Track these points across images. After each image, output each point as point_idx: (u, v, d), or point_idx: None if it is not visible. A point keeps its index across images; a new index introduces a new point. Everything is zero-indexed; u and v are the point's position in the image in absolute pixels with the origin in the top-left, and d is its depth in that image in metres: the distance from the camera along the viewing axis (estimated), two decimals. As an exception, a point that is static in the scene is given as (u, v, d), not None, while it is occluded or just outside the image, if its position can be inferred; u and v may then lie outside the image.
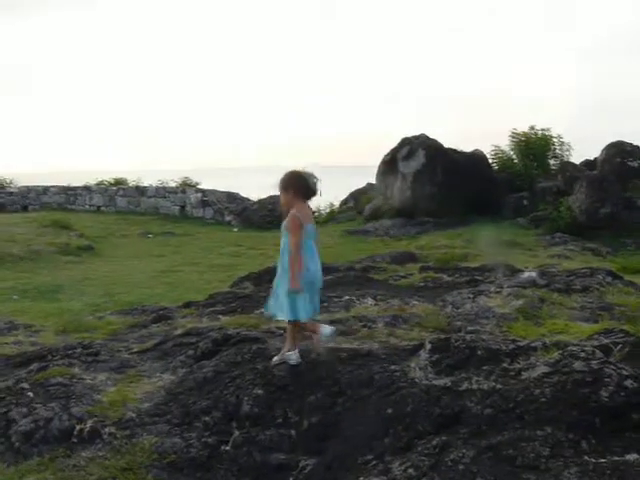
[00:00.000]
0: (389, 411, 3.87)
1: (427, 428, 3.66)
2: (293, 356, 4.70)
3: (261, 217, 26.90)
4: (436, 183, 21.90)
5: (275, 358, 4.77)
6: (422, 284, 8.57)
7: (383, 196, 23.39)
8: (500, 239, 15.81)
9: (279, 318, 4.98)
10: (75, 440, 4.33)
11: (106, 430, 4.38)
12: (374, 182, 25.21)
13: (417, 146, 22.52)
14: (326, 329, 4.80)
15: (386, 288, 8.00)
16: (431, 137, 23.17)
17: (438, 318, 6.14)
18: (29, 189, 35.59)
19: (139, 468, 3.97)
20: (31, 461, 4.14)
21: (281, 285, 4.78)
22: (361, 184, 27.83)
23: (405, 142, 22.99)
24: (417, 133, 23.27)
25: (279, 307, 4.79)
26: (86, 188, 34.52)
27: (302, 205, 4.84)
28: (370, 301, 6.79)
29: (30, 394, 4.83)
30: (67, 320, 8.57)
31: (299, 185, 4.82)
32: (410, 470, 3.33)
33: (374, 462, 3.53)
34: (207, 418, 4.32)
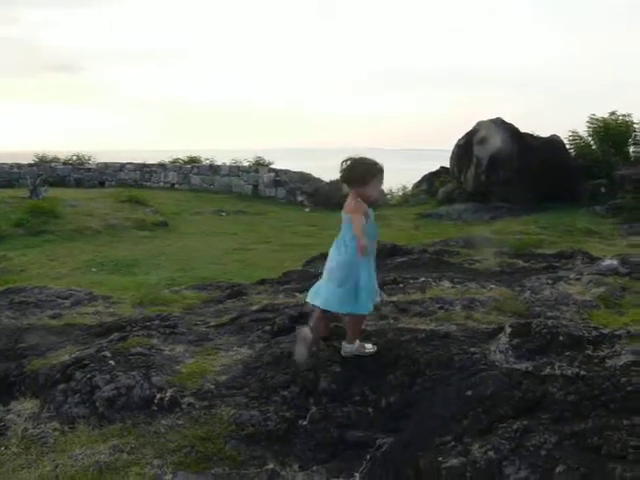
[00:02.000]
0: (469, 393, 3.83)
1: (508, 412, 3.61)
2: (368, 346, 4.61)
3: (334, 198, 26.96)
4: (511, 168, 21.55)
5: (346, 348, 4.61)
6: (498, 269, 8.44)
7: (457, 180, 23.16)
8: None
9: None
10: (155, 408, 4.42)
11: (185, 400, 4.46)
12: (448, 166, 24.97)
13: (493, 130, 22.18)
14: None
15: (462, 271, 7.91)
16: (507, 121, 22.80)
17: (516, 303, 6.05)
18: (106, 166, 36.50)
19: (217, 438, 4.03)
20: (114, 426, 4.26)
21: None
22: (435, 167, 27.62)
23: (481, 126, 22.67)
24: (493, 117, 22.95)
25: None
26: (161, 165, 35.18)
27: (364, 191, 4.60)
28: (447, 283, 6.71)
29: (112, 362, 4.95)
30: (144, 293, 8.76)
31: (379, 170, 4.61)
32: (490, 453, 3.30)
33: (453, 443, 3.50)
34: (285, 392, 4.35)
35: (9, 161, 36.33)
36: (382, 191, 4.36)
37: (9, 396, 4.93)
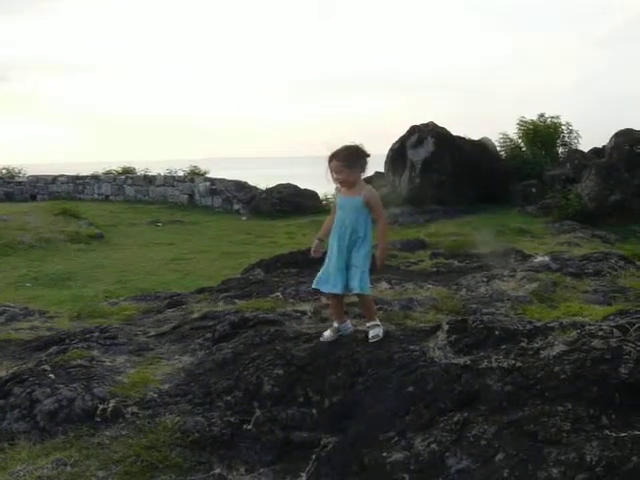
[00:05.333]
0: (410, 389, 3.91)
1: (448, 405, 3.71)
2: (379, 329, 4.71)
3: (270, 206, 26.98)
4: (445, 171, 21.92)
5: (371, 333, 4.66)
6: (434, 269, 8.60)
7: (391, 184, 23.41)
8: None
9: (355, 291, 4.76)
10: (98, 419, 4.38)
11: (128, 410, 4.43)
12: (382, 171, 25.23)
13: (426, 134, 22.54)
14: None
15: (399, 273, 8.03)
16: (440, 125, 23.18)
17: (453, 301, 6.18)
18: (38, 178, 35.80)
19: (162, 446, 4.02)
20: (56, 439, 4.21)
21: (355, 258, 4.66)
22: (369, 173, 27.81)
23: (414, 130, 23.01)
24: (426, 121, 23.29)
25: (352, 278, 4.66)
26: (94, 177, 34.68)
27: (360, 177, 4.76)
28: (385, 285, 6.82)
29: (52, 375, 4.88)
30: (81, 306, 8.66)
31: (365, 163, 4.73)
32: (433, 445, 3.38)
33: (396, 438, 3.57)
34: (228, 397, 4.37)
35: None
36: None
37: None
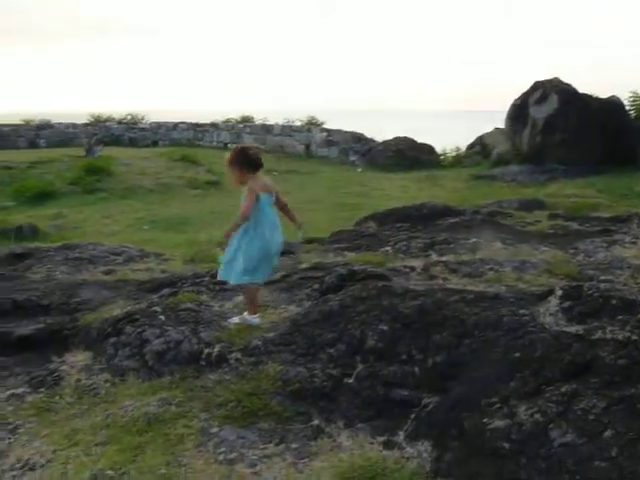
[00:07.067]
0: (516, 355, 3.78)
1: (556, 375, 3.55)
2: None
3: (386, 158, 26.77)
4: (568, 129, 21.04)
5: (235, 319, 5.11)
6: (551, 231, 8.30)
7: (511, 141, 22.73)
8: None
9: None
10: (203, 363, 4.49)
11: (232, 356, 4.51)
12: (502, 127, 24.53)
13: (550, 90, 21.64)
14: (255, 319, 5.05)
15: (514, 233, 7.80)
16: (565, 81, 22.23)
17: (569, 266, 5.94)
18: (159, 125, 36.81)
19: (263, 394, 4.07)
20: (163, 379, 4.35)
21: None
22: (489, 129, 27.14)
23: (537, 86, 22.14)
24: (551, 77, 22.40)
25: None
26: (213, 125, 35.32)
27: (254, 177, 4.98)
28: (498, 245, 6.63)
29: (162, 317, 5.03)
30: (195, 250, 8.84)
31: (243, 160, 4.99)
32: (537, 416, 3.26)
33: (499, 405, 3.46)
34: (331, 350, 4.36)
35: (65, 121, 36.92)
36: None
37: (63, 348, 5.06)
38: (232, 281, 5.09)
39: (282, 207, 5.16)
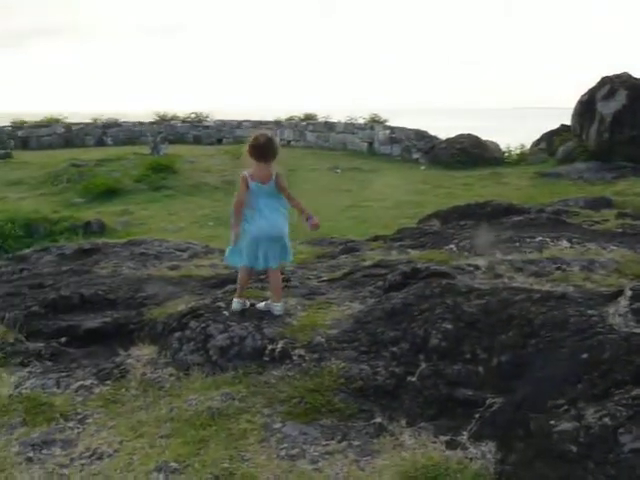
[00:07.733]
0: (584, 356, 3.68)
1: (626, 378, 3.45)
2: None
3: (449, 156, 26.53)
4: (637, 125, 20.54)
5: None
6: (620, 230, 8.08)
7: (578, 138, 22.29)
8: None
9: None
10: (266, 359, 4.51)
11: (296, 352, 4.52)
12: (568, 124, 24.05)
13: (618, 85, 21.16)
14: (277, 307, 5.14)
15: (581, 232, 7.62)
16: (634, 76, 21.69)
17: (639, 265, 5.77)
18: (224, 123, 37.20)
19: (326, 391, 4.07)
20: (226, 374, 4.39)
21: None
22: (554, 126, 26.66)
23: (605, 81, 21.68)
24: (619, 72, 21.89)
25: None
26: (277, 123, 35.51)
27: (255, 165, 5.22)
28: (565, 243, 6.48)
29: (226, 313, 5.07)
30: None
31: (249, 148, 5.24)
32: (605, 419, 3.17)
33: (566, 407, 3.39)
34: (395, 348, 4.34)
35: (132, 119, 37.68)
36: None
37: (129, 342, 5.15)
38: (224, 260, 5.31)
39: (287, 199, 5.29)
